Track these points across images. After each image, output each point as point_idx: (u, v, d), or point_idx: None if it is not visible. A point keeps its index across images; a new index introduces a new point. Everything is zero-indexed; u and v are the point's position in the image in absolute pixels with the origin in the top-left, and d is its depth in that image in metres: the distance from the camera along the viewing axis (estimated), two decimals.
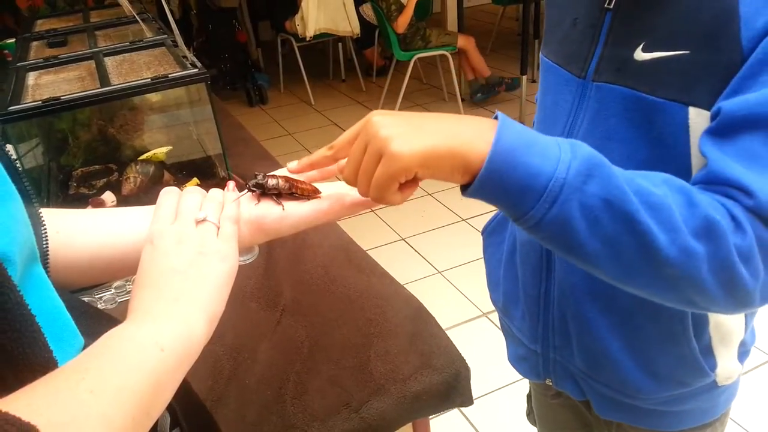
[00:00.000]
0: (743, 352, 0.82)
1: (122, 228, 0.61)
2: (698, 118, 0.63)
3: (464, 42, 4.10)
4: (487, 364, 2.01)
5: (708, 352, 0.78)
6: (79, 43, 1.59)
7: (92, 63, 1.33)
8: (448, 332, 1.03)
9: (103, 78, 1.19)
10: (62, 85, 1.24)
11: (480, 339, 2.29)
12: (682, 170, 0.66)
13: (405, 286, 1.16)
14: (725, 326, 0.77)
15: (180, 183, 1.37)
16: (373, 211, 3.22)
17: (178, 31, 1.49)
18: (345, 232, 1.37)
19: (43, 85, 1.27)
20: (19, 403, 0.33)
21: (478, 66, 4.26)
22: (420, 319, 1.06)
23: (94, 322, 0.51)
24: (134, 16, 1.64)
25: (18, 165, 0.52)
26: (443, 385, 0.95)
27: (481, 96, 4.32)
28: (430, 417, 1.05)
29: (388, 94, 4.49)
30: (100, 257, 0.60)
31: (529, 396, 1.14)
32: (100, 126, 1.57)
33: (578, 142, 0.55)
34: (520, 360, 0.96)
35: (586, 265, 0.58)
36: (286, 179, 0.62)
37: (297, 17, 4.49)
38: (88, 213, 0.64)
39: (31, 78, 1.32)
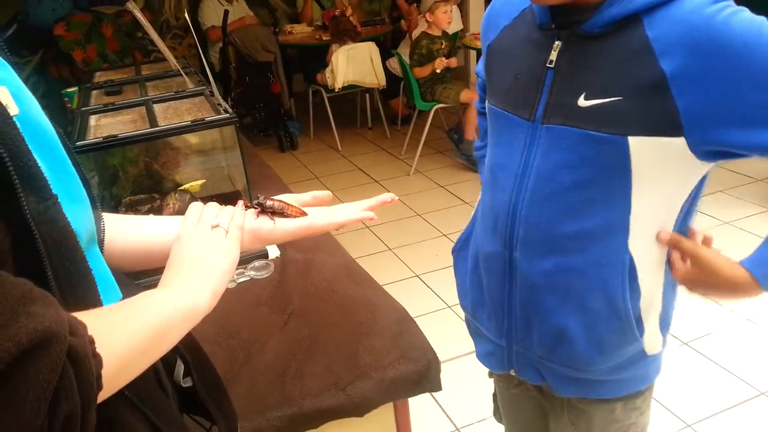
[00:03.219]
0: (664, 325, 1.02)
1: (159, 229, 0.83)
2: (638, 144, 0.85)
3: (468, 96, 4.26)
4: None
5: (639, 320, 0.98)
6: (132, 92, 1.87)
7: (143, 108, 1.60)
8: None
9: (152, 120, 1.45)
10: (118, 126, 1.50)
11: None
12: (624, 184, 0.88)
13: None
14: (648, 298, 0.98)
15: None
16: (390, 249, 3.43)
17: (214, 82, 1.76)
18: (348, 254, 1.59)
19: (103, 126, 1.53)
20: (76, 316, 0.53)
21: (467, 124, 4.34)
22: (404, 322, 1.27)
23: (134, 290, 0.73)
24: (179, 70, 1.92)
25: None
26: (416, 373, 1.14)
27: (463, 157, 4.42)
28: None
29: (411, 141, 4.76)
30: (143, 249, 0.82)
31: (494, 395, 1.31)
32: (146, 162, 1.84)
33: None
34: (488, 355, 1.14)
35: None
36: (281, 202, 0.80)
37: (327, 70, 4.84)
38: (137, 218, 0.87)
39: (93, 120, 1.60)
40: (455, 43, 4.94)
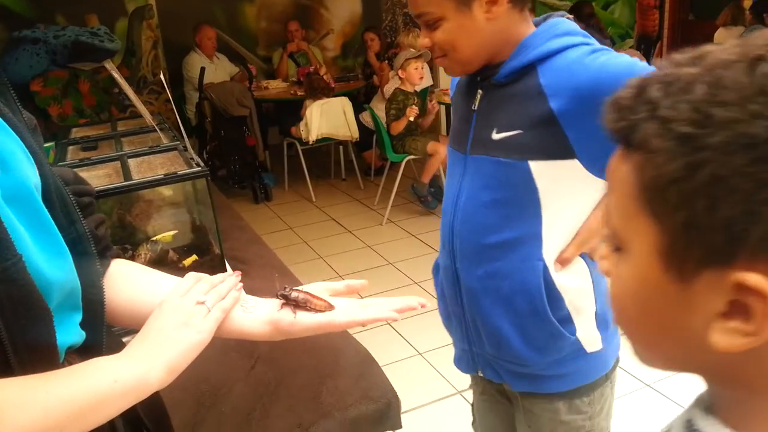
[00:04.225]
0: (602, 323, 1.13)
1: (156, 294, 0.79)
2: (537, 167, 1.02)
3: (433, 148, 4.40)
4: None
5: (568, 321, 1.10)
6: (108, 147, 1.94)
7: (118, 163, 1.67)
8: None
9: (126, 174, 1.52)
10: (93, 180, 1.57)
11: (450, 416, 2.48)
12: (533, 201, 1.05)
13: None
14: (575, 301, 1.10)
15: (182, 259, 1.67)
16: (363, 298, 3.48)
17: (188, 137, 1.85)
18: None
19: None
20: None
21: (426, 169, 4.47)
22: (366, 363, 1.33)
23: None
24: (154, 127, 2.00)
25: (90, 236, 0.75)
26: (377, 411, 1.20)
27: (413, 196, 4.56)
28: None
29: (383, 191, 4.87)
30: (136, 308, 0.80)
31: (472, 405, 1.42)
32: (119, 214, 1.90)
33: None
34: (459, 359, 1.28)
35: None
36: (306, 294, 0.79)
37: (301, 124, 4.97)
38: (155, 277, 0.83)
39: None
40: (426, 98, 5.12)
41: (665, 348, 0.45)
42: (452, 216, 1.15)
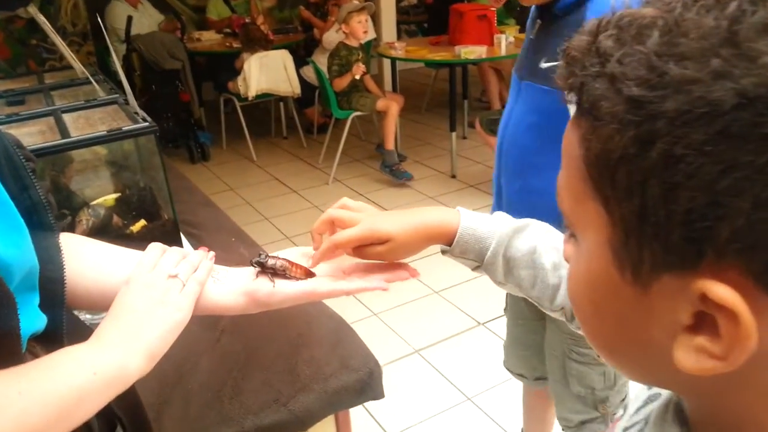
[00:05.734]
0: None
1: (118, 266, 0.71)
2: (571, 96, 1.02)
3: (384, 105, 4.27)
4: None
5: None
6: (36, 102, 1.74)
7: (51, 119, 1.49)
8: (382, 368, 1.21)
9: (63, 131, 1.36)
10: (25, 138, 1.39)
11: (406, 378, 2.47)
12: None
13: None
14: None
15: (129, 225, 1.52)
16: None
17: (130, 89, 1.68)
18: None
19: None
20: None
21: (386, 134, 4.30)
22: (342, 331, 1.25)
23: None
24: (88, 78, 1.81)
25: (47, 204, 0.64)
26: (359, 382, 1.13)
27: (386, 170, 4.34)
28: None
29: (328, 150, 4.73)
30: (101, 289, 0.70)
31: (507, 333, 1.52)
32: (53, 176, 1.72)
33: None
34: None
35: None
36: (285, 261, 0.71)
37: (239, 78, 4.73)
38: (101, 249, 0.73)
39: None
40: (369, 52, 4.96)
41: (629, 358, 0.37)
42: (503, 136, 1.26)
